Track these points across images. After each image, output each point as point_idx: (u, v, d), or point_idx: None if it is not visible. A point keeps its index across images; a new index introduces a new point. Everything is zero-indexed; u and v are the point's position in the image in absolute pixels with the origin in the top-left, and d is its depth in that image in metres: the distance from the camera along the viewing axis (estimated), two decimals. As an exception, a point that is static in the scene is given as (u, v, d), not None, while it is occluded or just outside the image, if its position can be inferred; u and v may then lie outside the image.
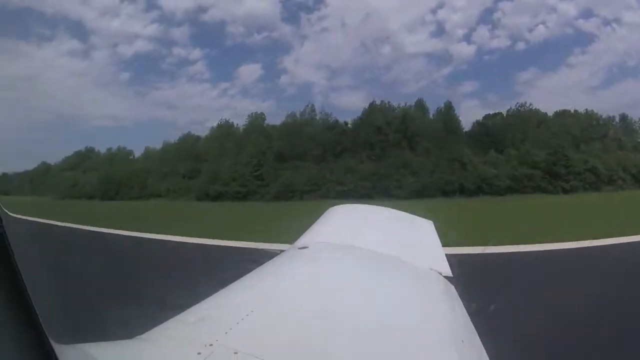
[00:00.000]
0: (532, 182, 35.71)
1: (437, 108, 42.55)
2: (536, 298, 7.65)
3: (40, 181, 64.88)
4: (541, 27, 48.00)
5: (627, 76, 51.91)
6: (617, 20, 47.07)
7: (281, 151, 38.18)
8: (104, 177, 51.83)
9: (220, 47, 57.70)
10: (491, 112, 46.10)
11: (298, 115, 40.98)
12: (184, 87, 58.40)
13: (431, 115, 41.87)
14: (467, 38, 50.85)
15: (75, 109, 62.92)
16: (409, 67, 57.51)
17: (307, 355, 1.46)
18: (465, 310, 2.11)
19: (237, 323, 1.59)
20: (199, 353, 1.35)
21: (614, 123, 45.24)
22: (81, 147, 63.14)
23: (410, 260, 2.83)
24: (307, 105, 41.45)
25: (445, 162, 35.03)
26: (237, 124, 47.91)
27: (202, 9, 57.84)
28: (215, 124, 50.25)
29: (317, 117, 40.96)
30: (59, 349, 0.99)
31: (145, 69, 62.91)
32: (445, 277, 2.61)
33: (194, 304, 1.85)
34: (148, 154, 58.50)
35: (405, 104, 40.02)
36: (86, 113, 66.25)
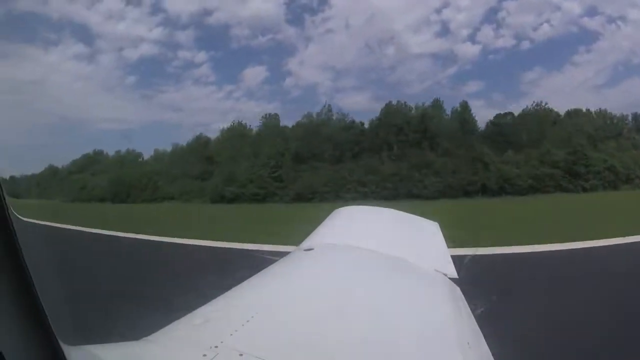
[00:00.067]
0: (553, 182, 34.90)
1: (452, 108, 41.61)
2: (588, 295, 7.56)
3: (47, 184, 63.22)
4: (546, 25, 46.91)
5: (633, 74, 50.99)
6: (622, 18, 46.09)
7: (298, 152, 36.92)
8: (114, 180, 50.35)
9: (226, 50, 56.62)
10: (496, 111, 45.30)
11: (315, 115, 39.73)
12: (189, 90, 57.52)
13: (446, 116, 40.74)
14: (472, 38, 49.98)
15: (81, 113, 61.83)
16: (413, 67, 56.46)
17: (313, 357, 1.42)
18: (471, 312, 2.06)
19: (243, 325, 1.56)
20: (204, 355, 1.32)
21: (627, 122, 44.54)
22: (87, 150, 61.68)
23: (416, 262, 2.79)
24: (324, 106, 40.32)
25: (467, 162, 33.96)
26: (250, 125, 46.58)
27: (207, 12, 56.92)
28: (223, 126, 49.09)
29: (334, 118, 39.74)
30: (67, 350, 0.99)
31: (151, 72, 61.88)
32: (451, 278, 2.54)
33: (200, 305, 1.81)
34: (158, 156, 57.22)
35: (423, 104, 38.93)
36: (92, 116, 65.17)
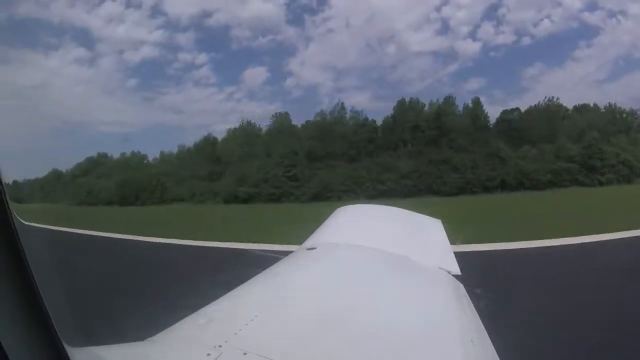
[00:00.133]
0: (569, 176, 34.26)
1: (464, 104, 40.81)
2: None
3: (51, 188, 61.59)
4: (546, 21, 46.10)
5: (634, 69, 50.43)
6: (623, 12, 45.50)
7: (312, 151, 35.82)
8: (121, 182, 48.91)
9: (226, 51, 55.57)
10: (498, 108, 44.97)
11: (328, 114, 38.65)
12: (190, 92, 56.40)
13: (458, 112, 39.87)
14: (472, 35, 48.63)
15: (83, 116, 60.81)
16: (414, 65, 54.59)
17: (316, 356, 1.41)
18: (474, 309, 2.03)
19: (246, 324, 1.54)
20: (208, 354, 1.31)
21: (636, 116, 44.05)
22: (90, 153, 60.40)
23: (419, 260, 2.73)
24: (337, 104, 39.22)
25: (483, 158, 33.12)
26: (259, 125, 45.44)
27: (207, 14, 56.04)
28: (230, 127, 48.07)
29: (347, 116, 38.69)
30: (71, 351, 0.98)
31: (152, 74, 60.78)
32: (454, 275, 2.50)
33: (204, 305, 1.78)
34: (164, 158, 55.94)
35: (437, 100, 38.04)
36: (94, 120, 64.34)
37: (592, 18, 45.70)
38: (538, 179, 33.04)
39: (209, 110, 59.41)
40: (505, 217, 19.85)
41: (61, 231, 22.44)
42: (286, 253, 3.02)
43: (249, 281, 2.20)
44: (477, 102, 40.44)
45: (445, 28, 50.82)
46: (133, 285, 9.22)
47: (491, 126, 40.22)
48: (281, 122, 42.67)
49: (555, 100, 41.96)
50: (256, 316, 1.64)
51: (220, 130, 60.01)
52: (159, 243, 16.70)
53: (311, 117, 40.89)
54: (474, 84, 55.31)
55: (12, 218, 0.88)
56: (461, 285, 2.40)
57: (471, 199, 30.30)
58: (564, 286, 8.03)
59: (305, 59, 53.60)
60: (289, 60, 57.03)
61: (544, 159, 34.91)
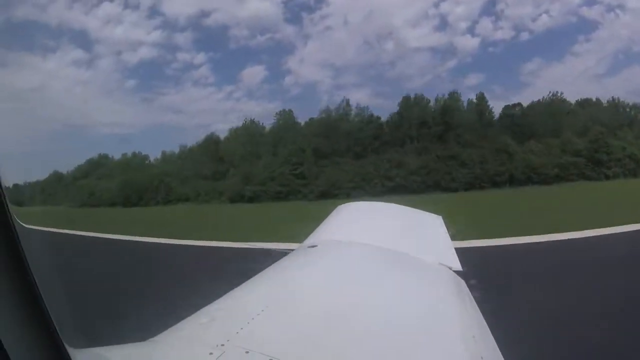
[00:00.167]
0: (576, 170, 34.04)
1: (468, 99, 40.52)
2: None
3: (52, 191, 60.80)
4: (544, 16, 46.01)
5: (633, 62, 50.30)
6: (621, 7, 45.38)
7: (318, 148, 35.38)
8: (124, 183, 48.23)
9: (224, 51, 55.46)
10: (497, 103, 45.03)
11: (333, 111, 38.19)
12: (189, 92, 56.45)
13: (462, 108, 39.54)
14: (471, 30, 48.76)
15: (82, 118, 60.32)
16: (413, 62, 54.54)
17: (318, 353, 1.41)
18: (476, 305, 2.02)
19: (248, 323, 1.55)
20: (211, 353, 1.31)
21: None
22: (90, 155, 59.90)
23: (420, 256, 2.74)
24: (342, 101, 38.74)
25: (491, 153, 32.83)
26: (262, 123, 44.94)
27: (205, 14, 55.91)
28: (232, 125, 47.75)
29: (352, 113, 38.24)
30: (72, 352, 0.99)
31: (151, 75, 60.33)
32: (455, 271, 2.50)
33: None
34: (165, 158, 55.33)
35: (443, 96, 37.70)
36: (94, 121, 63.78)
37: (591, 13, 45.72)
38: (546, 173, 32.81)
39: (208, 109, 59.23)
40: (517, 212, 19.63)
41: (70, 234, 21.83)
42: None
43: (250, 280, 2.19)
44: (481, 98, 40.25)
45: (443, 24, 50.74)
46: (155, 290, 8.73)
47: (495, 121, 39.98)
48: (285, 119, 42.21)
49: (559, 95, 41.76)
50: (258, 314, 1.63)
51: (220, 130, 59.60)
52: (176, 245, 16.20)
53: (310, 115, 40.53)
54: (473, 80, 55.49)
55: (12, 220, 0.88)
56: (462, 281, 2.37)
57: (481, 194, 30.03)
58: (579, 279, 8.07)
59: (304, 56, 53.47)
60: (288, 59, 56.89)
61: (549, 154, 34.68)
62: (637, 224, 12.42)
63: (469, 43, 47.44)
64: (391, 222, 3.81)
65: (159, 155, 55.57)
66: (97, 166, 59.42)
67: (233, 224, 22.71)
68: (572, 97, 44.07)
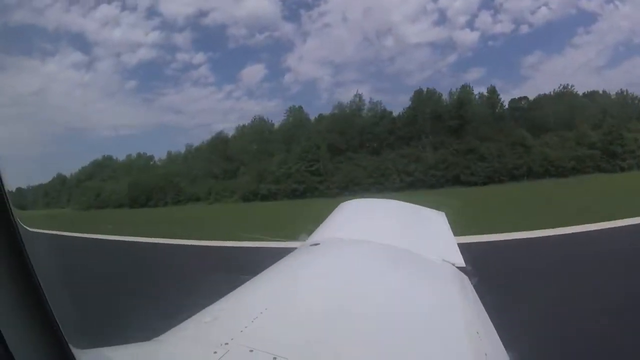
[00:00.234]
0: (592, 162, 33.87)
1: (479, 93, 40.13)
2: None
3: (56, 194, 59.67)
4: (544, 8, 45.55)
5: (634, 54, 50.16)
6: None
7: (332, 144, 34.77)
8: (132, 184, 47.32)
9: (223, 50, 54.89)
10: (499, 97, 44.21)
11: (347, 107, 37.52)
12: (189, 92, 56.09)
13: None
14: (470, 24, 48.05)
15: (83, 120, 59.60)
16: (413, 57, 53.94)
17: (322, 351, 1.40)
18: (479, 301, 2.02)
19: (252, 321, 1.54)
20: (215, 352, 1.31)
21: (646, 101, 43.83)
22: (92, 157, 58.87)
23: (423, 253, 2.72)
24: (355, 95, 38.09)
25: (507, 146, 32.49)
26: (272, 121, 44.25)
27: (203, 13, 55.33)
28: (239, 124, 47.21)
29: (365, 108, 37.64)
30: (77, 353, 1.00)
31: (150, 75, 59.66)
32: (459, 267, 2.50)
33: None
34: (171, 158, 54.46)
35: (456, 90, 37.25)
36: (95, 123, 63.01)
37: (590, 4, 45.44)
38: (563, 166, 32.52)
39: (208, 109, 58.71)
40: (547, 204, 19.26)
41: (95, 239, 20.88)
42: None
43: (254, 278, 2.17)
44: (493, 91, 39.84)
45: (442, 19, 50.15)
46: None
47: (506, 115, 39.62)
48: (296, 116, 41.54)
49: (569, 87, 41.57)
50: (262, 313, 1.62)
51: (221, 129, 58.86)
52: (206, 246, 15.46)
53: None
54: (474, 74, 55.15)
55: (15, 224, 0.89)
56: (466, 277, 2.34)
57: (501, 188, 29.65)
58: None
59: (303, 54, 52.92)
60: (287, 57, 56.06)
61: (564, 146, 34.45)
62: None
63: (469, 37, 46.94)
64: (394, 219, 3.74)
65: (163, 156, 54.69)
66: (102, 168, 58.37)
67: (268, 222, 22.07)
68: (574, 89, 44.00)
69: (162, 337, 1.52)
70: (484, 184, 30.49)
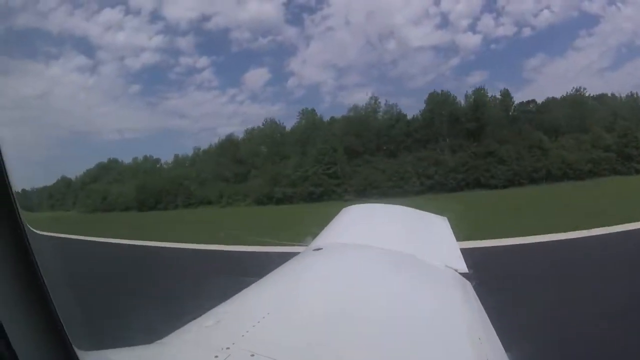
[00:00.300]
0: (608, 165, 33.74)
1: (491, 96, 39.92)
2: None
3: (61, 196, 58.71)
4: (546, 11, 45.33)
5: (636, 56, 50.16)
6: (622, 0, 45.14)
7: (349, 146, 34.32)
8: (140, 187, 46.53)
9: (227, 54, 54.58)
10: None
11: (363, 109, 37.09)
12: (193, 96, 55.26)
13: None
14: (473, 28, 47.76)
15: (87, 123, 58.99)
16: (415, 61, 53.48)
17: (324, 356, 1.39)
18: (482, 307, 2.00)
19: (254, 326, 1.53)
20: (216, 356, 1.30)
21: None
22: (96, 160, 58.23)
23: (426, 258, 2.70)
24: (371, 98, 37.69)
25: (527, 149, 32.26)
26: (283, 123, 43.73)
27: (206, 17, 54.97)
28: (248, 127, 46.33)
29: (381, 110, 37.23)
30: (81, 355, 1.00)
31: (154, 79, 59.20)
32: (461, 273, 2.47)
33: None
34: (179, 161, 53.78)
35: (473, 91, 36.99)
36: (99, 126, 62.37)
37: (592, 7, 45.38)
38: (580, 169, 32.33)
39: (211, 113, 58.19)
40: (568, 208, 18.95)
41: (114, 243, 20.18)
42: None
43: (256, 283, 2.14)
44: (506, 94, 39.67)
45: (445, 22, 49.96)
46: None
47: (520, 117, 39.41)
48: (308, 119, 41.06)
49: (582, 90, 41.49)
50: (264, 318, 1.61)
51: (227, 132, 58.51)
52: (237, 252, 14.85)
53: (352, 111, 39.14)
54: (476, 77, 54.85)
55: (23, 226, 0.89)
56: (468, 283, 2.31)
57: (521, 191, 29.36)
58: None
59: (306, 58, 52.43)
60: (290, 61, 55.65)
61: (579, 149, 34.33)
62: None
63: (471, 41, 46.73)
64: (397, 224, 3.71)
65: (168, 159, 54.17)
66: (107, 170, 57.54)
67: (289, 225, 21.49)
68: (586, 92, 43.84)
69: (164, 340, 1.50)
70: (504, 187, 30.18)
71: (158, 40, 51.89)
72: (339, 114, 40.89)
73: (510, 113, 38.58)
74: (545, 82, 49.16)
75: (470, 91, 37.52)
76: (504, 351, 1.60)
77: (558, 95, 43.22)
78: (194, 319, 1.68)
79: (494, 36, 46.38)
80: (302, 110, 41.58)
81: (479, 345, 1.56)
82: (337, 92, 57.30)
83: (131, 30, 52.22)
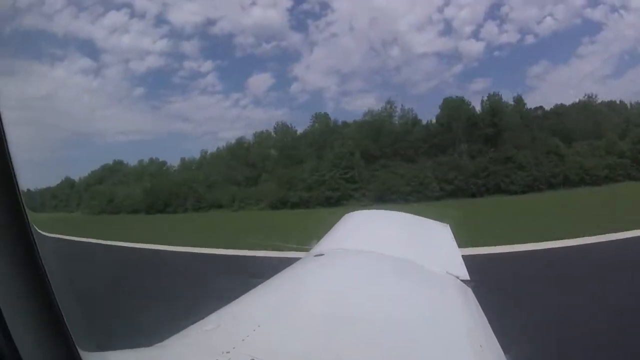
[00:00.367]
0: (623, 171, 33.82)
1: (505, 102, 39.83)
2: None
3: (65, 197, 57.74)
4: (549, 18, 45.20)
5: (638, 63, 50.47)
6: (625, 7, 45.37)
7: (366, 151, 33.97)
8: (148, 190, 45.79)
9: (231, 59, 54.50)
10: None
11: (378, 113, 36.76)
12: (196, 100, 54.97)
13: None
14: (476, 35, 47.55)
15: (91, 126, 58.48)
16: (419, 67, 52.80)
17: None
18: (483, 314, 1.98)
19: (254, 330, 1.52)
20: None
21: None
22: (100, 162, 57.52)
23: (427, 265, 2.68)
24: (387, 102, 37.39)
25: (543, 154, 32.18)
26: (294, 126, 43.32)
27: (211, 22, 54.90)
28: (256, 131, 46.08)
29: (397, 115, 36.94)
30: (84, 356, 1.01)
31: (158, 83, 58.84)
32: (463, 280, 2.45)
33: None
34: (185, 164, 53.15)
35: (489, 96, 36.85)
36: (103, 129, 61.94)
37: (595, 14, 45.67)
38: (597, 174, 32.32)
39: (215, 117, 57.95)
40: (591, 213, 18.83)
41: (132, 247, 19.45)
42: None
43: (257, 287, 2.13)
44: (519, 100, 39.66)
45: (448, 28, 49.90)
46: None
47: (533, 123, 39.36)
48: (321, 123, 40.67)
49: (594, 97, 41.62)
50: (264, 322, 1.60)
51: (229, 137, 58.29)
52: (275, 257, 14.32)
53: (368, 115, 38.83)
54: (479, 84, 55.16)
55: (30, 227, 0.89)
56: (470, 290, 2.27)
57: (540, 196, 29.20)
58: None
59: (310, 63, 52.10)
60: (294, 66, 55.13)
61: (593, 155, 34.37)
62: None
63: (474, 47, 46.59)
64: (398, 231, 3.68)
65: (173, 162, 53.67)
66: (112, 172, 56.69)
67: (314, 230, 20.99)
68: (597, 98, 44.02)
69: (165, 342, 1.49)
70: (523, 192, 30.01)
71: (163, 44, 51.63)
72: (340, 119, 41.08)
73: (523, 119, 38.53)
74: (549, 89, 49.42)
75: (485, 97, 37.29)
76: (505, 358, 1.58)
77: (561, 102, 43.58)
78: (195, 322, 1.66)
79: (497, 43, 46.57)
80: (315, 114, 41.21)
81: (480, 352, 1.54)
82: (340, 98, 57.91)
83: (136, 34, 51.97)
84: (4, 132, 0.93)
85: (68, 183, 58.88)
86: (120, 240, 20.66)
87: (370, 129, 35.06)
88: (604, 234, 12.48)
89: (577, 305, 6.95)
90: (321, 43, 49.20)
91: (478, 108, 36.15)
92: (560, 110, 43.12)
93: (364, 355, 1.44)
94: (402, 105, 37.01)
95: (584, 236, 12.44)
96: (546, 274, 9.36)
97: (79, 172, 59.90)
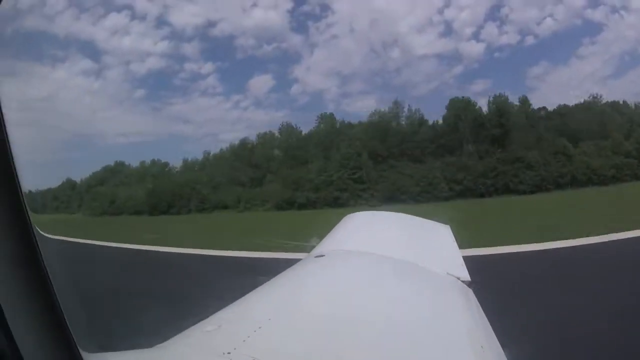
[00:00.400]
0: (629, 171, 33.87)
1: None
2: None
3: (66, 198, 57.21)
4: (549, 19, 44.73)
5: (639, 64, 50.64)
6: (625, 8, 45.56)
7: (373, 151, 33.78)
8: (151, 191, 45.40)
9: (232, 60, 53.92)
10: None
11: (385, 114, 36.60)
12: (197, 101, 54.56)
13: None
14: (476, 36, 47.60)
15: (92, 127, 58.22)
16: (419, 69, 52.53)
17: None
18: (484, 315, 1.97)
19: (255, 331, 1.51)
20: None
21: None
22: (102, 163, 57.09)
23: (428, 266, 2.67)
24: (394, 102, 37.25)
25: (551, 154, 32.15)
26: (299, 127, 43.10)
27: (212, 24, 54.60)
28: (259, 132, 45.79)
29: (404, 115, 36.80)
30: (86, 357, 1.02)
31: (159, 85, 58.65)
32: (464, 281, 2.42)
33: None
34: (187, 165, 52.79)
35: (496, 96, 36.80)
36: (103, 130, 61.70)
37: (595, 15, 45.78)
38: (604, 174, 32.34)
39: (216, 118, 57.71)
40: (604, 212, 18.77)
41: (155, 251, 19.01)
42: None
43: (258, 288, 2.12)
44: (525, 100, 39.66)
45: (448, 30, 49.76)
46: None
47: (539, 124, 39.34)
48: (327, 123, 40.46)
49: (599, 97, 41.72)
50: (265, 323, 1.59)
51: (230, 139, 57.98)
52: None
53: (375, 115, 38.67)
54: (479, 86, 54.98)
55: (32, 228, 0.90)
56: (470, 291, 2.26)
57: (549, 196, 29.14)
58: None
59: (310, 65, 51.86)
60: (294, 68, 54.95)
61: (600, 155, 34.40)
62: None
63: (475, 49, 46.36)
64: (399, 232, 3.68)
65: (175, 163, 53.35)
66: (113, 173, 56.23)
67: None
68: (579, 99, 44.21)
69: (165, 343, 1.48)
70: (532, 192, 29.95)
71: (163, 45, 51.34)
72: (340, 120, 40.72)
73: (528, 119, 38.52)
74: (549, 89, 49.39)
75: (491, 97, 37.24)
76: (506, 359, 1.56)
77: (564, 102, 43.66)
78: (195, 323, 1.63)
79: (498, 44, 46.51)
80: (321, 115, 40.98)
81: (480, 353, 1.53)
82: (340, 100, 57.53)
83: (137, 35, 51.62)
84: (6, 133, 0.91)
85: (69, 184, 58.30)
86: (122, 242, 20.32)
87: (377, 129, 34.85)
88: (612, 233, 12.54)
89: (584, 305, 6.93)
90: (322, 44, 49.06)
91: (481, 109, 36.01)
92: (563, 111, 43.17)
93: (364, 356, 1.44)
94: (408, 105, 36.83)
95: (591, 236, 12.52)
96: (554, 274, 9.34)
97: (81, 173, 59.19)
